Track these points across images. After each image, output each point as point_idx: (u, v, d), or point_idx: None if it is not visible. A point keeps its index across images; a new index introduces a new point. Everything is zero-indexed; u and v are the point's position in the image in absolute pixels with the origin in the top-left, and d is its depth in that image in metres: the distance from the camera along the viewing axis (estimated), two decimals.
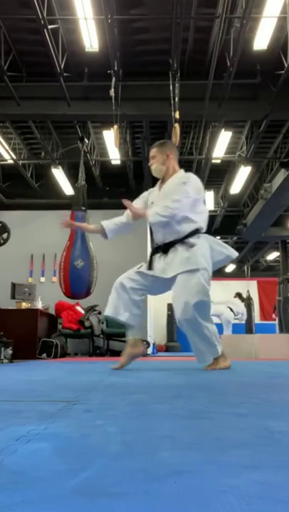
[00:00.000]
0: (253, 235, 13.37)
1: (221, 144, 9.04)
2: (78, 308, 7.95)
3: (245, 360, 5.14)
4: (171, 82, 6.83)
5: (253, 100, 7.72)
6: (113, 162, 10.44)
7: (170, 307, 14.24)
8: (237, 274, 18.51)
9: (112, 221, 3.45)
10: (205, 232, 3.30)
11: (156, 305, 13.91)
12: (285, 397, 1.70)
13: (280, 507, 0.54)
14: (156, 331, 14.35)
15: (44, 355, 6.27)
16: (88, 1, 5.79)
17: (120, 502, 0.55)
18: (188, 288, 3.07)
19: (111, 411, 1.28)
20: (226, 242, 4.26)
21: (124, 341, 8.16)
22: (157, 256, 3.29)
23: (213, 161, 10.07)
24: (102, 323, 8.05)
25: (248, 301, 11.96)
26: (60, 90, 7.30)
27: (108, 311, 3.23)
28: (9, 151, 9.44)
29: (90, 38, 6.52)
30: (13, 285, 6.54)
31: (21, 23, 6.67)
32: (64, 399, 1.52)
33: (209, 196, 11.87)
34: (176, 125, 6.43)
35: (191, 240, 3.18)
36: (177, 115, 6.58)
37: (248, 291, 12.66)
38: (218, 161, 10.39)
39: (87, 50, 6.79)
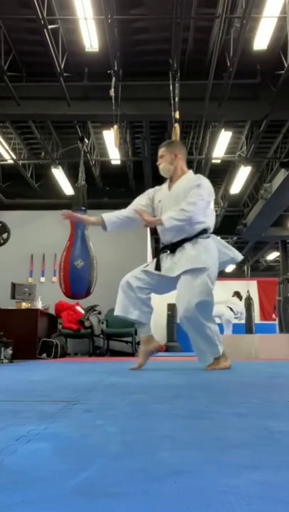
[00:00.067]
0: (253, 235, 13.37)
1: (221, 144, 9.05)
2: (78, 308, 7.94)
3: (245, 360, 5.14)
4: (171, 82, 6.83)
5: (253, 100, 7.72)
6: (113, 162, 10.43)
7: (170, 307, 14.24)
8: (237, 274, 18.49)
9: (114, 214, 3.39)
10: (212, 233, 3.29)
11: (157, 305, 13.76)
12: (285, 397, 1.70)
13: (280, 507, 0.54)
14: (156, 331, 14.23)
15: (44, 355, 6.27)
16: (88, 1, 5.80)
17: (120, 502, 0.55)
18: (193, 287, 3.06)
19: (111, 411, 1.28)
20: (226, 242, 4.25)
21: (124, 341, 8.27)
22: (164, 255, 3.27)
23: (213, 161, 10.07)
24: (102, 323, 8.05)
25: (248, 301, 11.93)
26: (60, 90, 7.30)
27: (118, 311, 3.19)
28: (9, 151, 9.44)
29: (90, 38, 6.53)
30: (13, 285, 6.54)
31: (21, 23, 6.67)
32: (64, 399, 1.52)
33: None
34: (176, 125, 6.42)
35: (200, 239, 3.17)
36: (177, 115, 6.57)
37: (248, 291, 12.63)
38: (218, 161, 10.39)
39: (87, 50, 6.80)
